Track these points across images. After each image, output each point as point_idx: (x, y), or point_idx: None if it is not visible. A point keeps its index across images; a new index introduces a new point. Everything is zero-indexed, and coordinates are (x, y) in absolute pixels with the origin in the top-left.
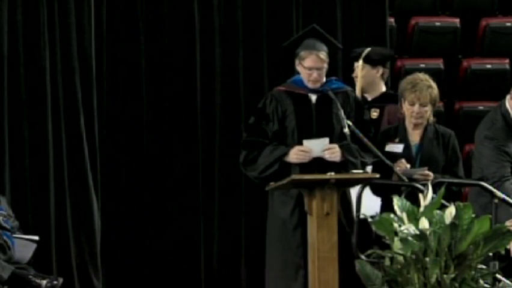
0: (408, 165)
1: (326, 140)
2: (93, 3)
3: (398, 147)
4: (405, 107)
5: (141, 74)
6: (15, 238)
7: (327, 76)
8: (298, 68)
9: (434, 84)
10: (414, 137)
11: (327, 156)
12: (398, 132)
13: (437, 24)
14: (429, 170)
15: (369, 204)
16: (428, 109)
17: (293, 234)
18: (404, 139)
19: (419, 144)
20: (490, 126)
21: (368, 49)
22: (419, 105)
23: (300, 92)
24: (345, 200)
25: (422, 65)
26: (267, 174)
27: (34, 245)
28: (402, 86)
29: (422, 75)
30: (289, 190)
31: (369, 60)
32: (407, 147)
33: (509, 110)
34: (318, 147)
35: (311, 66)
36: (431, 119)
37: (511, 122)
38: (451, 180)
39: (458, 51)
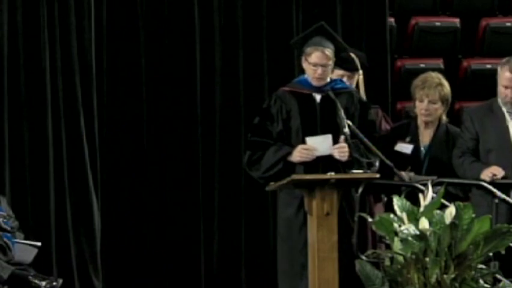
0: (412, 173)
1: (329, 136)
2: (93, 3)
3: (407, 148)
4: (416, 105)
5: (141, 74)
6: (17, 243)
7: None
8: (304, 65)
9: (445, 83)
10: (425, 137)
11: (337, 154)
12: (410, 131)
13: (437, 24)
14: (436, 172)
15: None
16: (438, 107)
17: (298, 234)
18: (415, 139)
19: (428, 145)
20: (468, 109)
21: (353, 55)
22: (427, 102)
23: (305, 91)
24: (348, 200)
25: (422, 65)
26: (271, 174)
27: (36, 250)
28: (413, 84)
29: (434, 74)
30: (294, 190)
31: (361, 67)
32: (417, 148)
33: (499, 95)
34: (321, 144)
35: (316, 62)
36: (444, 118)
37: (494, 105)
38: (451, 180)
39: (458, 51)
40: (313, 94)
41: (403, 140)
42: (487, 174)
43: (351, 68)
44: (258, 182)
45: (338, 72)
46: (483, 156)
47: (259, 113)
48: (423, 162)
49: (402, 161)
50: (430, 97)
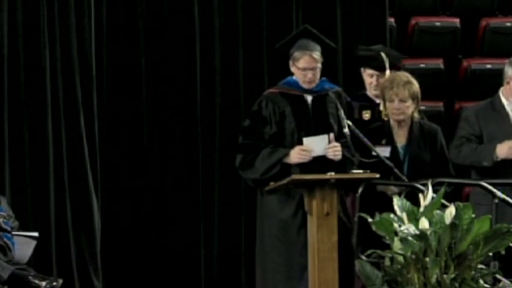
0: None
1: (326, 136)
2: (93, 3)
3: (385, 151)
4: (387, 106)
5: (141, 74)
6: (15, 236)
7: (327, 76)
8: (293, 69)
9: (413, 81)
10: (400, 137)
11: (331, 154)
12: (384, 133)
13: (437, 24)
14: (417, 170)
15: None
16: (409, 105)
17: (297, 235)
18: (390, 140)
19: (405, 145)
20: (472, 107)
21: (383, 54)
22: (398, 101)
23: (295, 93)
24: (341, 201)
25: (422, 65)
26: (267, 177)
27: (34, 242)
28: (381, 86)
29: (400, 73)
30: (290, 191)
31: (392, 67)
32: (394, 149)
33: (501, 96)
34: (318, 145)
35: (305, 66)
36: (416, 116)
37: (496, 104)
38: (451, 180)
39: (458, 51)
40: (304, 95)
41: (379, 143)
42: (505, 148)
43: (379, 68)
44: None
45: (368, 72)
46: None
47: (249, 115)
48: (403, 162)
49: (382, 163)
50: (400, 96)
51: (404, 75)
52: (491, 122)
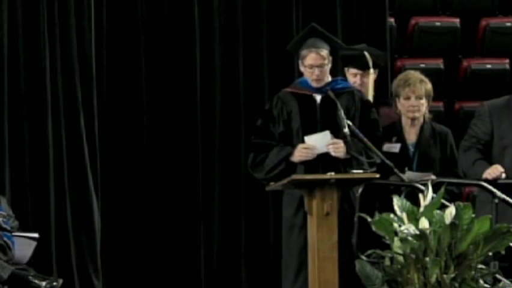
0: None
1: (327, 133)
2: (93, 3)
3: (395, 147)
4: (401, 104)
5: (141, 74)
6: (16, 237)
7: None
8: (301, 68)
9: (426, 79)
10: (411, 135)
11: (332, 151)
12: (395, 131)
13: (437, 24)
14: (426, 168)
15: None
16: (424, 103)
17: (297, 235)
18: (401, 138)
19: (416, 143)
20: (487, 103)
21: (366, 54)
22: (414, 98)
23: (305, 92)
24: (348, 200)
25: (422, 65)
26: (273, 175)
27: (34, 243)
28: (395, 84)
29: (413, 72)
30: (294, 191)
31: (376, 66)
32: (404, 147)
33: None
34: (320, 142)
35: (311, 64)
36: (427, 115)
37: (511, 101)
38: (451, 180)
39: (458, 51)
40: (314, 95)
41: (389, 141)
42: (489, 173)
43: (361, 66)
44: (261, 182)
45: (352, 71)
46: (498, 153)
47: (261, 114)
48: (412, 159)
49: (391, 160)
50: (416, 93)
51: (417, 74)
52: (505, 121)
